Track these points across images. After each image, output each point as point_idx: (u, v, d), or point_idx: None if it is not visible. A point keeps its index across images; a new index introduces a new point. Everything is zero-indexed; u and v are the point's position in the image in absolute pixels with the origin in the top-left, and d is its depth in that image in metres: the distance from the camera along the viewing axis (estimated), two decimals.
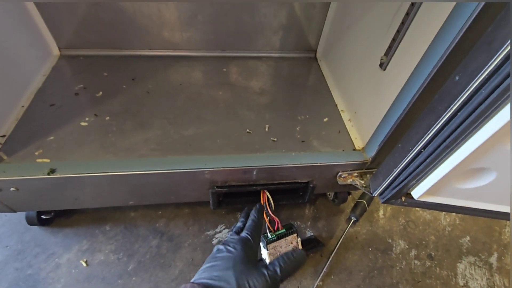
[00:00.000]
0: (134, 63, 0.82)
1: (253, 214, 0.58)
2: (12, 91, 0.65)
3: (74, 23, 0.76)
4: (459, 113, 0.40)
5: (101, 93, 0.72)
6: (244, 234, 0.53)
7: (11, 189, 0.55)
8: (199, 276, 0.44)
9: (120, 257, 0.68)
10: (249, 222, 0.56)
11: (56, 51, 0.81)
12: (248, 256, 0.48)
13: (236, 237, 0.52)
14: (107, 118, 0.66)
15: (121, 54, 0.84)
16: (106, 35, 0.80)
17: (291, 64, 0.91)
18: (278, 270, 0.47)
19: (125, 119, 0.66)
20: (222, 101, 0.75)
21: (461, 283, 0.74)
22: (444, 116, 0.42)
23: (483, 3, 0.35)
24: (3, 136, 0.60)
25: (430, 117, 0.44)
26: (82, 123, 0.64)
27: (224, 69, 0.85)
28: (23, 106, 0.66)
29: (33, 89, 0.70)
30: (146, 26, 0.79)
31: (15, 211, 0.62)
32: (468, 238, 0.83)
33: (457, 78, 0.40)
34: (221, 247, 0.49)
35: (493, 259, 0.79)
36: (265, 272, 0.45)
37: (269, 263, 0.49)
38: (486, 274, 0.76)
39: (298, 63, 0.92)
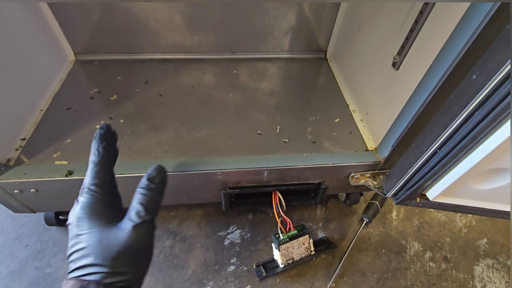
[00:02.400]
0: (147, 66, 0.84)
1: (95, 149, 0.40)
2: (31, 95, 0.67)
3: (88, 29, 0.78)
4: (476, 113, 0.39)
5: (115, 96, 0.73)
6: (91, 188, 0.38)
7: (31, 190, 0.57)
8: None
9: None
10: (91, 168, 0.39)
11: (72, 56, 0.83)
12: (98, 214, 0.36)
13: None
14: (122, 121, 0.67)
15: (134, 58, 0.85)
16: (119, 40, 0.82)
17: (301, 65, 0.91)
18: (141, 211, 0.36)
19: (139, 122, 0.67)
20: (233, 103, 0.75)
21: (479, 286, 0.72)
22: (461, 116, 0.41)
23: (499, 3, 0.34)
24: (23, 139, 0.62)
25: (446, 117, 0.44)
26: (98, 126, 0.65)
27: (235, 71, 0.85)
28: (41, 110, 0.68)
29: (50, 93, 0.72)
30: (158, 30, 0.81)
31: (34, 212, 0.64)
32: (485, 240, 0.81)
33: (474, 77, 0.39)
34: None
35: None
36: (124, 226, 0.35)
37: (130, 208, 0.38)
38: (505, 277, 0.74)
39: (308, 64, 0.91)
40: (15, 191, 0.56)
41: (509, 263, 0.77)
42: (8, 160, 0.57)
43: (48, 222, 0.71)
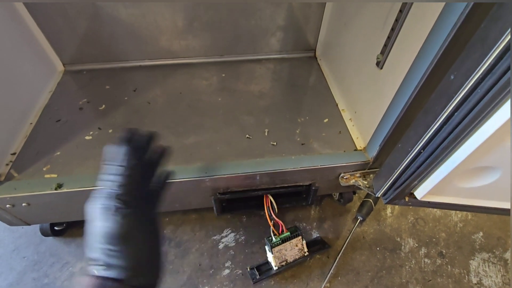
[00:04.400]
0: (135, 74, 0.84)
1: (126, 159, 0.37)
2: (20, 109, 0.68)
3: (75, 39, 0.78)
4: (456, 113, 0.39)
5: (104, 106, 0.73)
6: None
7: (23, 204, 0.58)
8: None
9: None
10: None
11: (60, 67, 0.84)
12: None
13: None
14: (110, 131, 0.68)
15: (122, 66, 0.85)
16: (107, 48, 0.82)
17: (291, 64, 0.90)
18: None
19: None
20: (222, 107, 0.75)
21: (474, 280, 0.72)
22: (442, 116, 0.41)
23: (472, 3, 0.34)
24: (14, 153, 0.62)
25: (428, 117, 0.43)
26: (87, 137, 0.66)
27: (223, 75, 0.85)
28: (31, 123, 0.69)
29: (40, 106, 0.73)
30: (145, 37, 0.81)
31: (29, 224, 0.65)
32: (481, 234, 0.80)
33: (452, 77, 0.38)
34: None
35: (508, 255, 0.76)
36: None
37: None
38: (501, 270, 0.74)
39: (298, 64, 0.91)
40: (7, 205, 0.57)
41: (506, 256, 0.76)
42: None
43: (44, 233, 0.72)
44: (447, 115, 0.40)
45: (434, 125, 0.42)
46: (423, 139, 0.45)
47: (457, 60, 0.37)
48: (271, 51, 0.91)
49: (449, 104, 0.39)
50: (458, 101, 0.38)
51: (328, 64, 0.87)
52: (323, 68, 0.88)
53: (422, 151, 0.46)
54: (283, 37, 0.88)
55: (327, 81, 0.83)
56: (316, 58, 0.92)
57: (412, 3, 0.45)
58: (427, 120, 0.43)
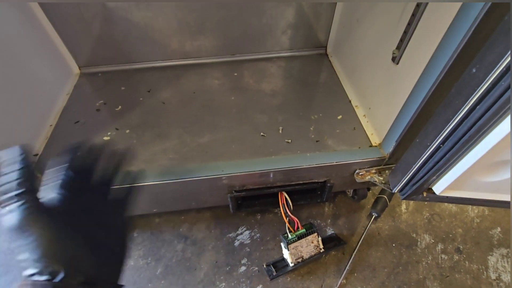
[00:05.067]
0: (149, 75, 0.85)
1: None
2: (41, 111, 0.70)
3: (90, 42, 0.80)
4: (478, 107, 0.38)
5: (120, 107, 0.75)
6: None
7: None
8: None
9: (149, 262, 0.72)
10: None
11: (76, 70, 0.85)
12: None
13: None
14: (127, 131, 0.69)
15: (136, 67, 0.87)
16: (121, 50, 0.83)
17: (302, 62, 0.90)
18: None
19: (143, 131, 0.69)
20: (235, 105, 0.76)
21: (493, 276, 0.71)
22: (463, 110, 0.41)
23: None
24: (36, 155, 0.64)
25: (448, 111, 0.43)
26: (105, 138, 0.68)
27: (235, 74, 0.85)
28: (51, 125, 0.71)
29: (59, 108, 0.75)
30: (157, 38, 0.82)
31: None
32: (499, 229, 0.79)
33: (474, 70, 0.38)
34: None
35: None
36: None
37: None
38: None
39: (309, 61, 0.91)
40: None
41: None
42: None
43: None
44: (468, 108, 0.40)
45: (454, 119, 0.42)
46: (443, 133, 0.44)
47: (479, 53, 0.37)
48: (282, 49, 0.91)
49: (471, 98, 0.39)
50: (480, 95, 0.38)
51: (340, 60, 0.87)
52: (335, 65, 0.87)
53: (441, 145, 0.46)
54: (294, 34, 0.88)
55: (339, 78, 0.83)
56: (327, 55, 0.92)
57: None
58: (447, 114, 0.43)
